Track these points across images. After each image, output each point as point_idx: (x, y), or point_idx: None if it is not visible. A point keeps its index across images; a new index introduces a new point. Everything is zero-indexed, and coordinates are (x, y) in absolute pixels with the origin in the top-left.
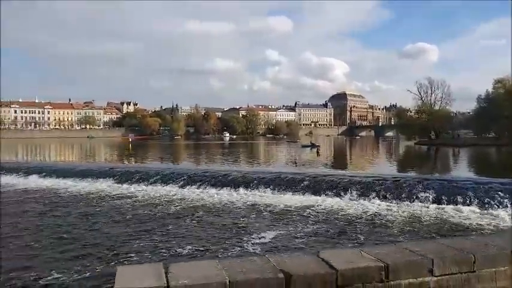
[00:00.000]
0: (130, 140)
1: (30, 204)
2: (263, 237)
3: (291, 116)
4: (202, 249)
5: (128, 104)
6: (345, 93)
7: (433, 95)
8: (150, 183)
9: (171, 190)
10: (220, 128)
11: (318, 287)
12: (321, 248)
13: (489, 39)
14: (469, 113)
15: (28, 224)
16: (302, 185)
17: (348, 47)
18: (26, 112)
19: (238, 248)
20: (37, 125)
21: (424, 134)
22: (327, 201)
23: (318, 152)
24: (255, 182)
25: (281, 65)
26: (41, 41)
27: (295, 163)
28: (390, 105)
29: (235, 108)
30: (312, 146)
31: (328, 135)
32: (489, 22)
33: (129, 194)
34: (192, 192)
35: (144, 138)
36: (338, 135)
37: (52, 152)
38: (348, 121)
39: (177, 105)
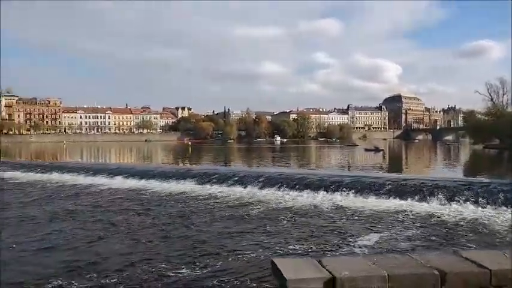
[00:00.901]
0: (189, 143)
1: (127, 203)
2: (367, 239)
3: (343, 119)
4: (305, 247)
5: (183, 109)
6: (400, 96)
7: (505, 96)
8: (230, 185)
9: (251, 191)
10: (271, 132)
11: (473, 285)
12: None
13: None
14: None
15: (133, 222)
16: (385, 188)
17: (401, 48)
18: (89, 117)
19: (345, 249)
20: (99, 129)
21: (495, 137)
22: (415, 206)
23: (384, 156)
24: (335, 185)
25: (330, 68)
26: (97, 49)
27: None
28: (448, 108)
29: (286, 112)
30: (376, 150)
31: (385, 139)
32: None
33: (213, 195)
34: (272, 194)
35: (199, 142)
36: (393, 138)
37: (121, 155)
38: (403, 124)
39: (228, 109)
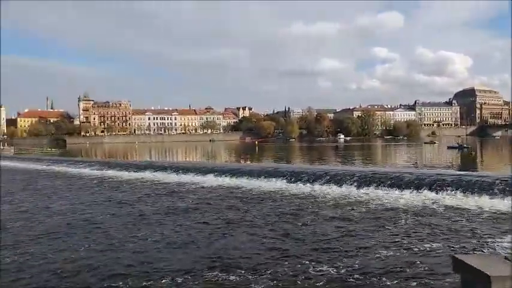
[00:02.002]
0: (256, 142)
1: (230, 200)
2: (507, 241)
3: (410, 115)
4: (443, 246)
5: (243, 108)
6: (473, 89)
7: None
8: (323, 183)
9: (348, 190)
10: (333, 130)
11: None
12: None
13: None
14: None
15: (245, 219)
16: (497, 188)
17: (470, 38)
18: (156, 119)
19: (489, 250)
20: (165, 130)
21: None
22: None
23: (471, 153)
24: (436, 184)
25: (391, 62)
26: (157, 51)
27: None
28: None
29: (348, 109)
30: (460, 147)
31: (459, 136)
32: None
33: (310, 194)
34: (372, 193)
35: (261, 141)
36: (466, 135)
37: (194, 154)
38: (478, 120)
39: (289, 108)
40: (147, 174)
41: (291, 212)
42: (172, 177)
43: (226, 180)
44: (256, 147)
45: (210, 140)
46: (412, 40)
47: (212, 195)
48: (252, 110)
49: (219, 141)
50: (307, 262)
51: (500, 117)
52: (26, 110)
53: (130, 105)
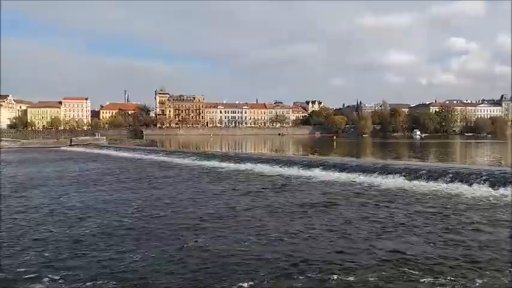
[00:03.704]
0: (334, 137)
1: (359, 196)
2: None
3: (495, 111)
4: None
5: (313, 103)
6: None
7: None
8: (449, 181)
9: (487, 191)
10: (408, 126)
11: None
12: None
13: None
14: None
15: (390, 218)
16: None
17: None
18: (228, 112)
19: None
20: (236, 123)
21: None
22: None
23: None
24: None
25: (469, 54)
26: (234, 49)
27: None
28: None
29: (425, 104)
30: None
31: None
32: None
33: (446, 192)
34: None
35: (332, 136)
36: None
37: (270, 147)
38: None
39: (360, 102)
40: (254, 166)
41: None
42: (278, 170)
43: (337, 175)
44: (334, 143)
45: (279, 134)
46: (493, 29)
47: (340, 189)
48: (322, 104)
49: (288, 136)
50: None
51: None
52: (107, 103)
53: (203, 99)
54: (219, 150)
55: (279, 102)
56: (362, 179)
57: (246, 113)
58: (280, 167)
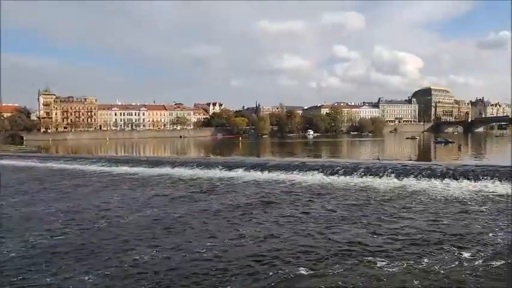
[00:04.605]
0: (240, 138)
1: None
2: None
3: (374, 112)
4: None
5: (214, 104)
6: (430, 88)
7: None
8: (362, 175)
9: (409, 183)
10: (302, 126)
11: None
12: None
13: None
14: None
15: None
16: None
17: (423, 40)
18: (124, 114)
19: None
20: (133, 126)
21: None
22: None
23: (460, 147)
24: (472, 173)
25: (351, 61)
26: (128, 43)
27: None
28: (476, 100)
29: (317, 106)
30: (446, 142)
31: (424, 131)
32: None
33: (362, 187)
34: (417, 183)
35: (234, 137)
36: (423, 131)
37: (178, 150)
38: (433, 117)
39: (259, 104)
40: (172, 170)
41: (357, 204)
42: (199, 173)
43: (263, 174)
44: (240, 143)
45: (180, 137)
46: (371, 40)
47: (262, 189)
48: (223, 106)
49: (190, 138)
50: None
51: (451, 115)
52: None
53: (96, 101)
54: (120, 154)
55: (179, 104)
56: (284, 177)
57: (144, 114)
58: (201, 169)
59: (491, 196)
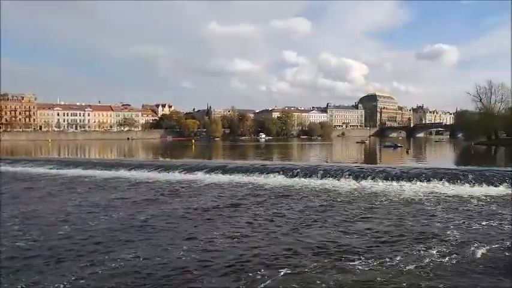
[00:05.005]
0: (193, 141)
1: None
2: None
3: (322, 117)
4: None
5: (163, 106)
6: (375, 95)
7: (492, 96)
8: (322, 177)
9: (364, 184)
10: (254, 130)
11: None
12: None
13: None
14: None
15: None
16: (468, 177)
17: (368, 49)
18: (67, 115)
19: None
20: (78, 127)
21: (484, 135)
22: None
23: (408, 151)
24: (424, 175)
25: (299, 66)
26: (71, 41)
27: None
28: (417, 106)
29: (268, 110)
30: (395, 146)
31: (370, 136)
32: None
33: (324, 187)
34: (390, 186)
35: (184, 140)
36: (370, 136)
37: (128, 152)
38: (378, 122)
39: (210, 106)
40: (129, 173)
41: (332, 205)
42: (158, 176)
43: (220, 177)
44: (193, 146)
45: (128, 139)
46: (319, 46)
47: (227, 191)
48: (172, 107)
49: (138, 140)
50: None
51: (395, 121)
52: None
53: (35, 99)
54: (64, 156)
55: (126, 105)
56: (246, 180)
57: (89, 115)
58: (159, 171)
59: (443, 197)
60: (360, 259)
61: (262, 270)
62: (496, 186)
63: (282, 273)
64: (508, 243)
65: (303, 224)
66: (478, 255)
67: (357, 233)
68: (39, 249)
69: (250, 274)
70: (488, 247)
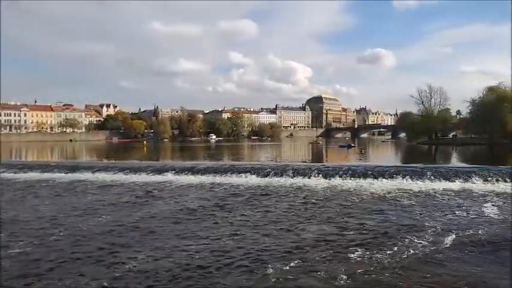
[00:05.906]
0: (145, 142)
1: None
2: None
3: (272, 118)
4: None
5: (108, 106)
6: (321, 97)
7: (432, 99)
8: (293, 176)
9: (334, 182)
10: (204, 131)
11: None
12: None
13: (448, 45)
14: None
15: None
16: (427, 174)
17: (312, 51)
18: (1, 115)
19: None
20: (13, 128)
21: (425, 135)
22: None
23: (361, 151)
24: (388, 173)
25: (246, 67)
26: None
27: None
28: (360, 108)
29: (218, 111)
30: (349, 146)
31: (318, 136)
32: (451, 29)
33: (298, 186)
34: (344, 182)
35: (131, 141)
36: (317, 136)
37: (66, 154)
38: (324, 123)
39: (157, 107)
40: (94, 175)
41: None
42: (126, 177)
43: (191, 178)
44: (145, 148)
45: (71, 140)
46: (265, 48)
47: (204, 193)
48: (118, 108)
49: (82, 142)
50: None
51: (340, 122)
52: None
53: None
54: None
55: (68, 105)
56: (218, 180)
57: (26, 115)
58: (125, 173)
59: (411, 192)
60: (361, 251)
61: (274, 264)
62: (452, 181)
63: (287, 267)
64: (480, 230)
65: (293, 221)
66: (459, 240)
67: (350, 228)
68: (39, 254)
69: (260, 270)
70: (462, 233)
